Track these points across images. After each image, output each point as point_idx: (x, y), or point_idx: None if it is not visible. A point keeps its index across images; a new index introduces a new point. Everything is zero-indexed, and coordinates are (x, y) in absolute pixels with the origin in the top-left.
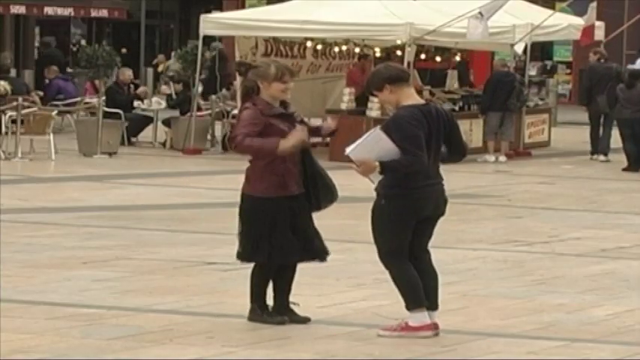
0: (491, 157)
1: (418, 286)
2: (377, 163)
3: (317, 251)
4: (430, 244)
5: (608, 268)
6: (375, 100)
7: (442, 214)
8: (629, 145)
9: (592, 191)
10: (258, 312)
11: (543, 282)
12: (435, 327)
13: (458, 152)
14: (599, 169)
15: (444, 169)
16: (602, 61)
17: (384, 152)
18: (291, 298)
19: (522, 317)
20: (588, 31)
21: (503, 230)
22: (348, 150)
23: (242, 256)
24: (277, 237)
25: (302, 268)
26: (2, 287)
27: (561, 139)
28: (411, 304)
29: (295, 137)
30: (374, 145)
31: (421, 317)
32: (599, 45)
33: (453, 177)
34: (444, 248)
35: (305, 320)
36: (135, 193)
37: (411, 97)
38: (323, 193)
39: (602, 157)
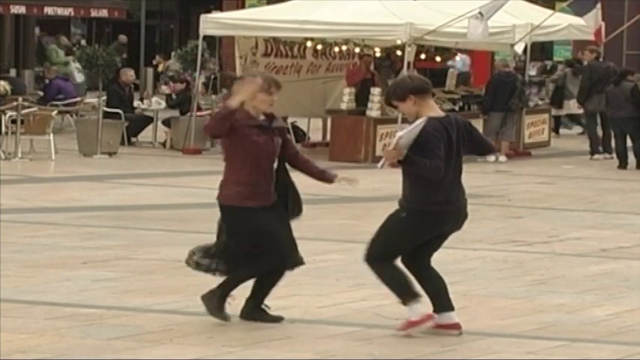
0: (491, 157)
1: (405, 278)
2: (405, 152)
3: (296, 263)
4: None
5: (608, 268)
6: (375, 100)
7: (458, 229)
8: (617, 143)
9: (592, 191)
10: (215, 300)
11: (543, 282)
12: (456, 326)
13: (483, 151)
14: (599, 169)
15: None
16: (601, 59)
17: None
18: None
19: (522, 317)
20: (598, 31)
21: (503, 230)
22: (399, 134)
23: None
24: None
25: (302, 268)
26: (2, 287)
27: (561, 139)
28: (404, 298)
29: (245, 91)
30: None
31: (418, 309)
32: (596, 44)
33: None
34: (444, 248)
35: (278, 319)
36: (135, 193)
37: (433, 108)
38: (292, 205)
39: (606, 155)
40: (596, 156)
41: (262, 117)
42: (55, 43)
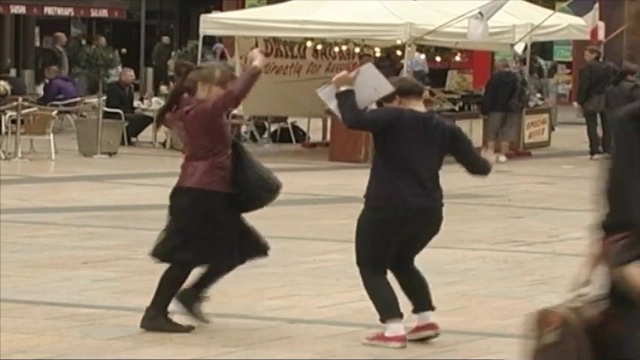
0: (492, 157)
1: (392, 298)
2: (352, 76)
3: (257, 248)
4: (430, 244)
5: None
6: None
7: (434, 233)
8: None
9: (592, 191)
10: (162, 320)
11: (543, 282)
12: (432, 327)
13: (480, 171)
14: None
15: (443, 169)
16: (601, 59)
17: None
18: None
19: (522, 317)
20: (594, 31)
21: (503, 230)
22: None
23: (159, 253)
24: (216, 236)
25: (302, 268)
26: (2, 287)
27: (561, 139)
28: (384, 315)
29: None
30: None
31: (395, 328)
32: (598, 44)
33: (453, 177)
34: (444, 248)
35: (206, 321)
36: (135, 193)
37: (416, 107)
38: (257, 187)
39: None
40: (596, 156)
41: None
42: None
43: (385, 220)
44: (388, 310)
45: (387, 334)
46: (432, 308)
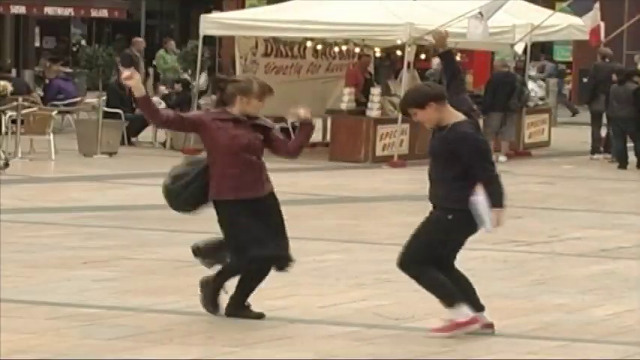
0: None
1: (447, 282)
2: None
3: (284, 259)
4: None
5: (608, 268)
6: (375, 100)
7: None
8: (617, 142)
9: (592, 191)
10: (211, 290)
11: (543, 282)
12: (489, 326)
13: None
14: (599, 169)
15: None
16: (607, 60)
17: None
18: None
19: (522, 317)
20: (596, 31)
21: (504, 230)
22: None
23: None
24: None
25: (302, 268)
26: (2, 287)
27: (561, 139)
28: (449, 301)
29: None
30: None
31: (466, 311)
32: (603, 45)
33: None
34: None
35: (260, 316)
36: (135, 193)
37: (455, 114)
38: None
39: (607, 156)
40: (596, 155)
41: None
42: (163, 47)
43: (467, 229)
44: (453, 294)
45: (460, 320)
46: (482, 308)
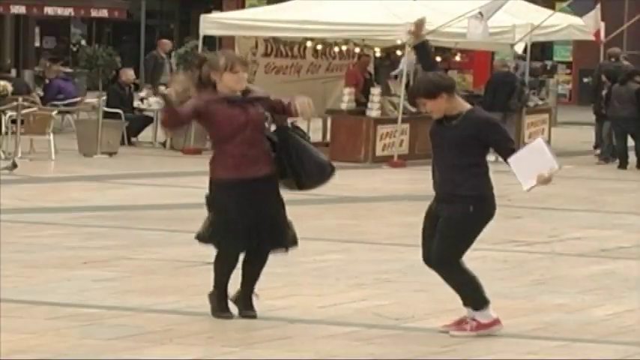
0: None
1: (480, 284)
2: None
3: (284, 240)
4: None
5: (608, 268)
6: (375, 100)
7: None
8: (618, 143)
9: (592, 191)
10: (214, 299)
11: (543, 282)
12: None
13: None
14: (599, 169)
15: None
16: (613, 60)
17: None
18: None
19: (522, 317)
20: (598, 32)
21: (503, 230)
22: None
23: (199, 236)
24: (231, 222)
25: (302, 268)
26: (2, 287)
27: (561, 139)
28: (477, 303)
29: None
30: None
31: (490, 313)
32: (603, 45)
33: None
34: None
35: (254, 316)
36: (135, 193)
37: (463, 102)
38: (308, 171)
39: (597, 152)
40: (597, 150)
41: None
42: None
43: (488, 217)
44: (482, 297)
45: (485, 321)
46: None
